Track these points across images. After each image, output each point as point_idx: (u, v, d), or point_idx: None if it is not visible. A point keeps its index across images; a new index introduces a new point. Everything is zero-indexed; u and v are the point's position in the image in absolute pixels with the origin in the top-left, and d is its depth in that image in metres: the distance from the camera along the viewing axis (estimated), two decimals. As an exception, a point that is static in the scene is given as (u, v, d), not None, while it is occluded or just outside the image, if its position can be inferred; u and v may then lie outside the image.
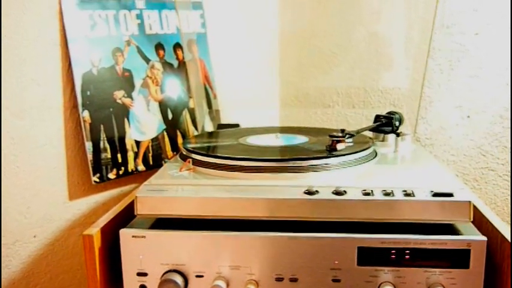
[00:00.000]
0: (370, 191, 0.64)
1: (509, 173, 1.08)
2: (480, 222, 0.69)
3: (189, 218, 0.65)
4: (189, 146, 0.81)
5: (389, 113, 0.92)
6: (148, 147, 0.99)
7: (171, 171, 0.73)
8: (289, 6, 1.16)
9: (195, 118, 1.07)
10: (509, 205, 1.09)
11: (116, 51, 0.94)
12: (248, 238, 0.63)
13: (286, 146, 0.83)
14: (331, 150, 0.75)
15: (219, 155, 0.74)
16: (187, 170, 0.74)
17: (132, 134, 0.96)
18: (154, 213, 0.66)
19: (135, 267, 0.66)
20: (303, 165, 0.70)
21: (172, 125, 1.03)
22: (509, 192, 1.08)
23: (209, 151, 0.79)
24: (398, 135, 0.87)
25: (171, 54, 1.03)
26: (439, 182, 0.67)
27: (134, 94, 0.97)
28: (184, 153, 0.81)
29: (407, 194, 0.63)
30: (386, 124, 0.90)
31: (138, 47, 0.97)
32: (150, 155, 0.99)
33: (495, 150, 1.08)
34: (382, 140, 0.90)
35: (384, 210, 0.62)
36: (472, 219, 0.62)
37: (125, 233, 0.65)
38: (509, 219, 1.08)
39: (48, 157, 0.89)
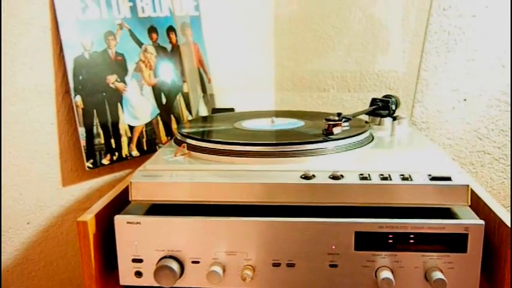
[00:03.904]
0: (367, 175, 0.63)
1: (506, 156, 1.07)
2: (477, 206, 0.69)
3: (185, 203, 0.64)
4: (184, 130, 0.80)
5: (385, 96, 0.92)
6: (142, 132, 0.98)
7: (166, 157, 0.72)
8: (284, -11, 1.15)
9: (189, 102, 1.05)
10: (507, 189, 1.09)
11: (108, 34, 0.92)
12: (244, 223, 0.63)
13: (282, 130, 0.82)
14: (327, 134, 0.74)
15: (214, 139, 0.73)
16: (182, 155, 0.73)
17: (125, 119, 0.95)
18: (149, 199, 0.65)
19: (130, 253, 0.65)
20: (299, 149, 0.69)
21: (166, 110, 1.02)
22: (507, 176, 1.08)
23: (204, 136, 0.78)
24: (394, 118, 0.87)
25: (165, 37, 1.02)
26: (436, 165, 0.67)
27: (127, 78, 0.95)
28: (178, 138, 0.80)
29: (404, 178, 0.62)
30: (383, 108, 0.90)
31: (130, 31, 0.96)
32: (144, 140, 0.98)
33: (492, 133, 1.07)
34: (379, 124, 0.89)
35: (381, 194, 0.62)
36: (469, 203, 0.61)
37: (119, 219, 0.64)
38: (505, 202, 1.08)
39: (40, 143, 0.87)
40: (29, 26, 0.83)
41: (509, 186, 1.08)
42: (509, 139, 1.06)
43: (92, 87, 0.90)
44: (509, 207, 1.07)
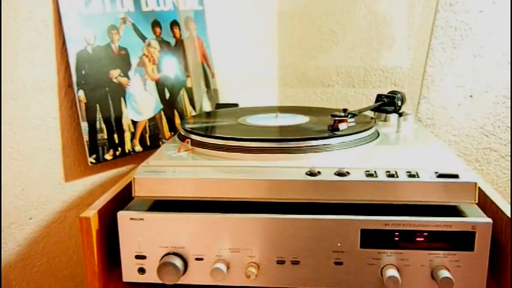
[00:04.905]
0: (374, 172, 0.62)
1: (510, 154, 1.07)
2: (484, 203, 0.68)
3: (188, 199, 0.63)
4: (187, 126, 0.79)
5: (391, 92, 0.91)
6: (145, 127, 0.97)
7: (169, 152, 0.72)
8: (289, -17, 1.14)
9: (193, 97, 1.05)
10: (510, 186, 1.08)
11: (111, 28, 0.92)
12: (249, 220, 0.62)
13: (286, 126, 0.81)
14: (333, 130, 0.73)
15: (218, 135, 0.72)
16: (185, 150, 0.72)
17: (128, 114, 0.94)
18: (152, 195, 0.64)
19: (134, 250, 0.64)
20: (304, 145, 0.68)
21: (170, 105, 1.01)
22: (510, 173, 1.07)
23: (208, 131, 0.77)
24: (400, 115, 0.86)
25: (168, 32, 1.01)
26: (443, 162, 0.66)
27: (130, 73, 0.95)
28: (182, 133, 0.79)
29: (411, 175, 0.61)
30: (388, 104, 0.89)
31: (134, 25, 0.95)
32: (147, 135, 0.98)
33: (498, 130, 1.06)
34: (384, 120, 0.88)
35: (387, 191, 0.61)
36: (477, 201, 0.61)
37: (122, 216, 0.64)
38: (510, 199, 1.07)
39: (43, 138, 0.87)
40: (30, 20, 0.83)
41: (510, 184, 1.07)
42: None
43: (95, 81, 0.89)
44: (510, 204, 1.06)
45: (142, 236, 0.64)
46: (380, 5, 1.09)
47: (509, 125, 1.05)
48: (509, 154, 1.07)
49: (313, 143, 0.69)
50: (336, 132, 0.72)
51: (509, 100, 1.04)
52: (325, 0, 1.12)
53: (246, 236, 0.62)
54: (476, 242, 0.60)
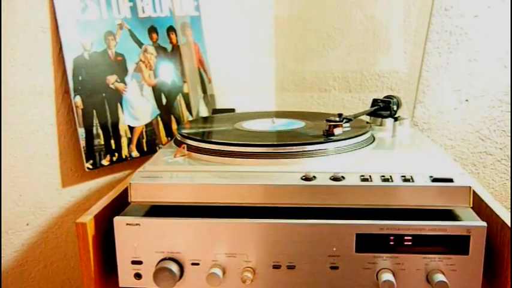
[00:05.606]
0: (369, 177, 0.62)
1: (508, 158, 1.07)
2: (479, 207, 0.69)
3: (184, 205, 0.64)
4: (184, 131, 0.80)
5: (387, 97, 0.91)
6: (142, 132, 0.98)
7: (166, 157, 0.72)
8: (285, -12, 1.14)
9: (190, 103, 1.05)
10: (508, 190, 1.08)
11: (107, 35, 0.92)
12: (245, 225, 0.62)
13: (282, 131, 0.81)
14: (328, 135, 0.73)
15: (214, 140, 0.72)
16: (181, 156, 0.72)
17: (125, 120, 0.95)
18: (148, 200, 0.64)
19: (130, 255, 0.64)
20: (300, 150, 0.69)
21: (167, 110, 1.02)
22: (508, 177, 1.08)
23: (204, 136, 0.77)
24: (396, 119, 0.86)
25: (165, 37, 1.01)
26: (438, 167, 0.66)
27: (127, 79, 0.95)
28: (178, 138, 0.79)
29: (406, 180, 0.62)
30: (384, 108, 0.89)
31: (130, 31, 0.95)
32: (144, 140, 0.98)
33: (493, 134, 1.07)
34: (380, 125, 0.89)
35: (382, 196, 0.61)
36: (471, 205, 0.61)
37: (118, 221, 0.64)
38: (506, 203, 1.08)
39: (40, 143, 0.87)
40: (28, 26, 0.83)
41: (510, 188, 1.08)
42: (510, 140, 1.06)
43: (92, 87, 0.90)
44: (510, 209, 1.06)
45: (139, 242, 0.64)
46: (376, 9, 1.09)
47: (505, 129, 1.06)
48: (505, 158, 1.07)
49: (309, 148, 0.69)
50: (331, 137, 0.73)
51: (505, 104, 1.05)
52: (322, 5, 1.12)
53: (242, 240, 0.63)
54: (471, 245, 0.60)
